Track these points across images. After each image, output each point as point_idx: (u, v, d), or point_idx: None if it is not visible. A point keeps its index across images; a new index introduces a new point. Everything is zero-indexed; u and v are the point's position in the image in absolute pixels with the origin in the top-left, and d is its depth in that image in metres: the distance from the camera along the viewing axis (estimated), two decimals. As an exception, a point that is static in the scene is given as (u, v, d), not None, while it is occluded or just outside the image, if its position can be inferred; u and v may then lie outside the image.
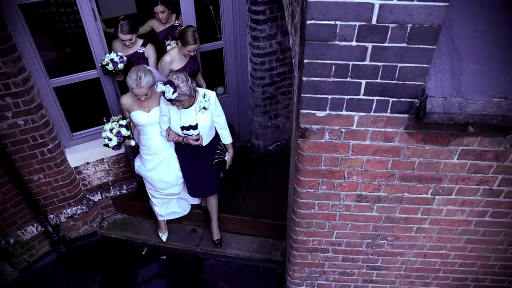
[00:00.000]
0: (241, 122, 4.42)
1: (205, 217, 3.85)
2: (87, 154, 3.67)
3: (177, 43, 3.42)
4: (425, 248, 2.26)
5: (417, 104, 1.60)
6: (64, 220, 3.82)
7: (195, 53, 3.34)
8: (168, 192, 3.43)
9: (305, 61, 1.47)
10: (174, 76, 2.64)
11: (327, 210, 2.05)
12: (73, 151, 3.64)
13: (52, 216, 3.72)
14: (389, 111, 1.62)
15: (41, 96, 3.10)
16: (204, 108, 2.85)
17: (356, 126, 1.68)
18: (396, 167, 1.84)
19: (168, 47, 3.63)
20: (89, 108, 4.05)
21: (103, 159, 3.70)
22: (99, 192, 3.95)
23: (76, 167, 3.70)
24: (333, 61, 1.46)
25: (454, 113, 1.57)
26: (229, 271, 3.68)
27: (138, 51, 3.58)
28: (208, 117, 2.93)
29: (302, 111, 1.63)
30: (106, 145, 3.05)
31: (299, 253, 2.33)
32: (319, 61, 1.46)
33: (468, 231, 2.16)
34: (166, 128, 3.04)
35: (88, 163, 3.74)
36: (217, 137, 3.18)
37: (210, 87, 3.89)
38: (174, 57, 3.38)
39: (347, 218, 2.09)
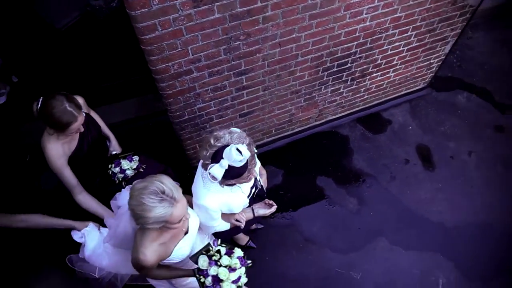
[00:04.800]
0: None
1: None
2: None
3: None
4: (277, 37, 2.47)
5: None
6: None
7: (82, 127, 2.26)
8: None
9: None
10: (223, 134, 1.68)
11: (171, 27, 2.07)
12: None
13: None
14: None
15: None
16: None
17: None
18: (217, -45, 1.84)
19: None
20: None
21: None
22: None
23: None
24: None
25: None
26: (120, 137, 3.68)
27: None
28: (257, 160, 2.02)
29: None
30: None
31: (166, 83, 2.41)
32: None
33: (308, 6, 2.38)
34: (218, 222, 2.09)
35: None
36: None
37: None
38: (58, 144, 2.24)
39: (194, 29, 2.14)
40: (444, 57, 3.80)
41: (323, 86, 3.23)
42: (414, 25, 3.05)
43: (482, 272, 3.30)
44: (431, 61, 3.74)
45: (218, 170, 1.59)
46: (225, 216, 2.10)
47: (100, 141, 2.64)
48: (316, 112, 3.60)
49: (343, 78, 3.26)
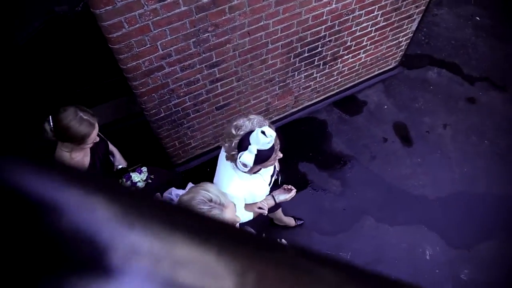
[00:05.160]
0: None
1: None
2: None
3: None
4: (245, 26, 2.50)
5: None
6: None
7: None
8: None
9: None
10: (243, 122, 1.69)
11: (137, 24, 2.07)
12: None
13: None
14: None
15: None
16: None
17: None
18: None
19: None
20: None
21: None
22: None
23: None
24: None
25: None
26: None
27: None
28: None
29: None
30: None
31: (138, 81, 2.41)
32: None
33: (273, -7, 2.39)
34: (241, 212, 2.08)
35: None
36: None
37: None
38: (73, 163, 2.18)
39: (161, 24, 2.14)
40: (411, 34, 3.89)
41: (296, 72, 3.27)
42: (379, 5, 3.12)
43: (466, 240, 3.42)
44: (400, 39, 3.83)
45: (248, 157, 1.63)
46: (248, 206, 2.13)
47: (107, 156, 2.62)
48: (292, 99, 3.64)
49: (315, 63, 3.32)
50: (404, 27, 3.66)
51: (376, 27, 3.38)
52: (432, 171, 3.77)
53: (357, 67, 3.80)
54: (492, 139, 3.98)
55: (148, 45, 2.23)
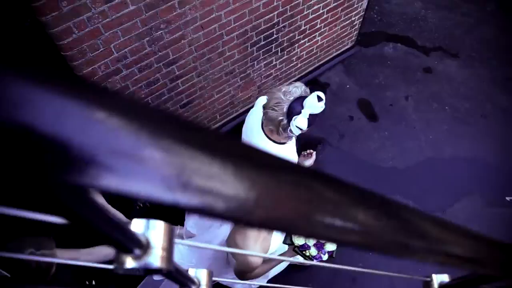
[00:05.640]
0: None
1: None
2: None
3: None
4: (198, 20, 2.52)
5: None
6: None
7: None
8: None
9: None
10: (291, 88, 1.73)
11: (87, 28, 2.06)
12: None
13: None
14: None
15: None
16: None
17: None
18: None
19: None
20: None
21: None
22: None
23: None
24: None
25: None
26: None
27: None
28: None
29: None
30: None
31: (97, 87, 2.39)
32: None
33: (220, -16, 2.43)
34: None
35: None
36: None
37: None
38: None
39: (111, 25, 2.15)
40: (363, 13, 4.01)
41: (255, 62, 3.32)
42: (327, -14, 3.21)
43: (439, 203, 3.58)
44: (353, 18, 3.94)
45: (303, 120, 1.67)
46: None
47: None
48: (255, 89, 3.69)
49: (273, 50, 3.38)
50: (355, 5, 3.77)
51: (328, 8, 3.47)
52: (400, 142, 3.91)
53: (315, 51, 3.89)
54: (451, 104, 4.17)
55: (102, 49, 2.23)
